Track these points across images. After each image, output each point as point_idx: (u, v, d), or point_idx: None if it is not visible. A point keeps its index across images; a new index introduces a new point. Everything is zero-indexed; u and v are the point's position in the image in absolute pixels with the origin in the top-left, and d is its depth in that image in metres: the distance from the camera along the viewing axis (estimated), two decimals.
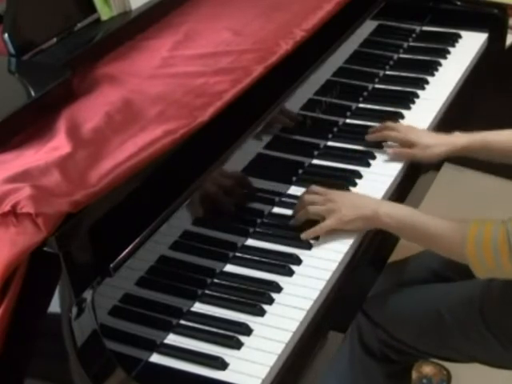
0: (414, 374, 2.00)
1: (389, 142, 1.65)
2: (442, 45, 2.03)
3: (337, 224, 1.41)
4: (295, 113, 1.56)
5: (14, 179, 1.09)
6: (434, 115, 1.77)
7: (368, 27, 1.87)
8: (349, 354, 1.56)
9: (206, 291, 1.32)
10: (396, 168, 1.61)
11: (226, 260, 1.38)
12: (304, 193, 1.48)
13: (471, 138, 1.59)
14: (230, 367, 1.19)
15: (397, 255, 1.58)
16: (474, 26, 2.05)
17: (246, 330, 1.24)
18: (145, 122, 1.25)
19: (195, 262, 1.32)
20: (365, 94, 1.86)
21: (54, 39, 1.41)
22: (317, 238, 1.43)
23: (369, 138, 1.66)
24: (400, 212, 1.40)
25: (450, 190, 2.62)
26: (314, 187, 1.47)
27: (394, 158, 1.62)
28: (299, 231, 1.44)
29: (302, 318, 1.26)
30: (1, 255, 1.03)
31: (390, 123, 1.67)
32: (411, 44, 2.05)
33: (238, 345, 1.22)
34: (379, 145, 1.67)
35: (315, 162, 1.64)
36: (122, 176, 1.14)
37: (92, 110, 1.27)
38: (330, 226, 1.41)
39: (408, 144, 1.61)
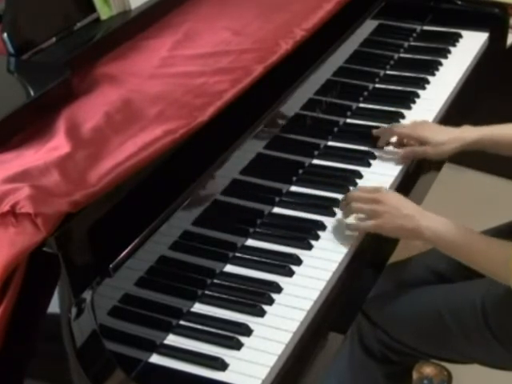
0: (415, 375, 1.99)
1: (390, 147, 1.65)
2: (443, 44, 2.02)
3: (376, 229, 1.38)
4: (295, 113, 1.56)
5: (13, 179, 1.09)
6: (435, 115, 1.77)
7: (368, 27, 1.87)
8: (349, 355, 1.55)
9: (206, 292, 1.32)
10: (396, 168, 1.61)
11: (226, 260, 1.37)
12: (352, 190, 1.47)
13: (482, 132, 1.57)
14: (229, 368, 1.18)
15: (397, 256, 1.57)
16: (474, 25, 2.05)
17: (246, 331, 1.24)
18: (145, 122, 1.25)
19: (195, 262, 1.32)
20: (365, 93, 1.85)
21: (54, 39, 1.41)
22: (317, 238, 1.42)
23: (380, 143, 1.65)
24: (443, 228, 1.34)
25: (450, 190, 2.61)
26: (363, 186, 1.46)
27: (405, 158, 1.61)
28: (299, 231, 1.44)
29: (303, 318, 1.26)
30: (0, 255, 1.02)
31: (396, 124, 1.67)
32: (412, 43, 2.05)
33: (237, 345, 1.21)
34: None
35: (315, 161, 1.64)
36: (121, 176, 1.13)
37: (92, 110, 1.26)
38: (369, 228, 1.39)
39: (418, 140, 1.59)
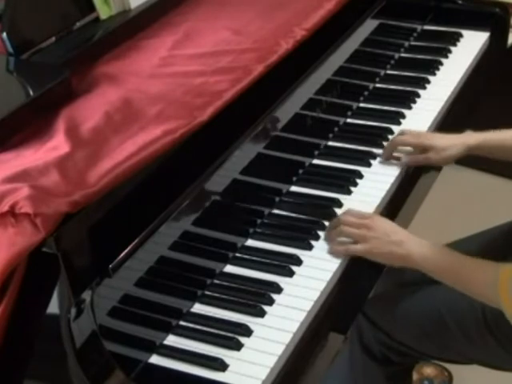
0: (415, 376, 1.99)
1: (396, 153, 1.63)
2: (444, 44, 2.02)
3: (364, 253, 1.37)
4: (295, 113, 1.56)
5: (12, 179, 1.08)
6: (436, 115, 1.77)
7: (369, 26, 1.86)
8: (349, 355, 1.55)
9: (206, 292, 1.31)
10: (397, 168, 1.61)
11: (226, 261, 1.37)
12: (342, 213, 1.44)
13: (485, 137, 1.56)
14: (229, 368, 1.18)
15: None
16: (475, 25, 2.05)
17: (246, 331, 1.23)
18: (144, 122, 1.25)
19: (195, 262, 1.31)
20: (366, 93, 1.85)
21: (53, 38, 1.41)
22: (317, 239, 1.42)
23: (385, 157, 1.62)
24: (436, 255, 1.34)
25: (450, 190, 2.61)
26: (353, 210, 1.43)
27: (409, 165, 1.60)
28: (299, 232, 1.43)
29: (303, 318, 1.26)
30: None
31: (397, 136, 1.65)
32: (412, 43, 2.05)
33: (237, 346, 1.21)
34: (380, 145, 1.66)
35: (316, 161, 1.63)
36: (121, 176, 1.13)
37: (91, 110, 1.26)
38: (356, 252, 1.37)
39: (421, 148, 1.59)
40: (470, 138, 1.57)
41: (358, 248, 1.37)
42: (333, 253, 1.39)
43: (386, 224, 1.40)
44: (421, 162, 1.60)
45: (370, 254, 1.37)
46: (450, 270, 1.33)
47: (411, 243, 1.35)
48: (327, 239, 1.42)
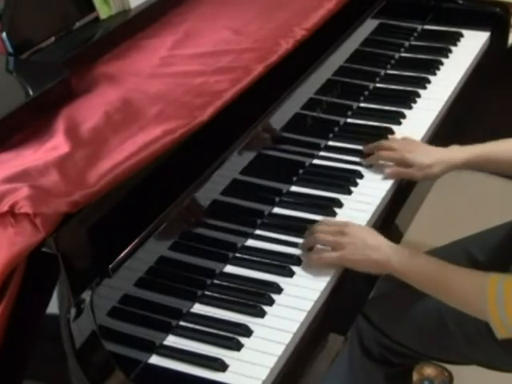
0: (416, 376, 1.99)
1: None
2: (444, 44, 2.02)
3: (340, 261, 1.33)
4: (295, 112, 1.56)
5: (12, 179, 1.08)
6: (436, 115, 1.77)
7: (369, 26, 1.86)
8: (349, 356, 1.55)
9: (206, 292, 1.31)
10: None
11: (226, 261, 1.37)
12: (317, 223, 1.40)
13: (471, 153, 1.53)
14: (229, 369, 1.18)
15: None
16: (476, 24, 2.05)
17: (246, 332, 1.23)
18: (144, 122, 1.24)
19: (195, 262, 1.31)
20: (366, 93, 1.85)
21: (53, 38, 1.40)
22: None
23: (366, 162, 1.59)
24: (416, 261, 1.31)
25: (450, 189, 2.61)
26: (329, 220, 1.41)
27: (391, 178, 1.56)
28: (300, 232, 1.43)
29: (303, 319, 1.26)
30: None
31: (384, 142, 1.62)
32: (412, 43, 2.05)
33: (237, 346, 1.21)
34: None
35: (316, 161, 1.63)
36: (121, 176, 1.13)
37: (91, 110, 1.26)
38: (331, 260, 1.34)
39: (404, 164, 1.55)
40: (456, 157, 1.54)
41: (334, 255, 1.33)
42: (307, 262, 1.35)
43: (362, 229, 1.37)
44: (404, 177, 1.57)
45: (346, 260, 1.33)
46: (431, 276, 1.30)
47: (391, 250, 1.32)
48: (302, 248, 1.38)
